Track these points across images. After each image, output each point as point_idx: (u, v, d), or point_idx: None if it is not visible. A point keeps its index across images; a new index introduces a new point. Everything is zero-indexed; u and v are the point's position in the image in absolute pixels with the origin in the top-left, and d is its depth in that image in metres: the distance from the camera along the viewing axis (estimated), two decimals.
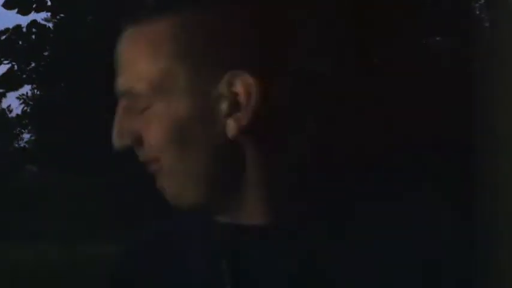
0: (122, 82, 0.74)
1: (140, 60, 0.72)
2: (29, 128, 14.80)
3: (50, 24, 8.84)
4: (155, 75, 0.71)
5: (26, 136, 18.82)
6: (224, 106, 0.72)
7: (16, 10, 5.23)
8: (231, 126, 0.72)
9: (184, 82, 0.72)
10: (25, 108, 14.79)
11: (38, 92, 13.58)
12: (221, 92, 0.72)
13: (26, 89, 14.42)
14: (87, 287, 9.42)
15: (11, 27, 5.60)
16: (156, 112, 0.72)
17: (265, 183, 0.74)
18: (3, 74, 5.73)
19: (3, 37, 5.45)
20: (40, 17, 7.42)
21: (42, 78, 6.79)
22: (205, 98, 0.72)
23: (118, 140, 0.73)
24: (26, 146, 18.47)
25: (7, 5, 5.09)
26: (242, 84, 0.72)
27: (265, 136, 0.74)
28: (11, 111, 20.49)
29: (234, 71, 0.72)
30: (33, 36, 5.71)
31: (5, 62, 5.61)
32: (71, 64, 5.95)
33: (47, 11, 6.19)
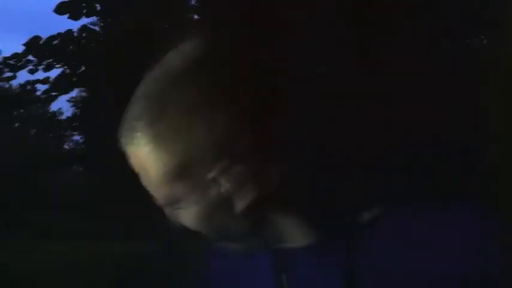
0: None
1: None
2: (78, 130, 15.14)
3: (97, 28, 9.04)
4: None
5: (76, 138, 19.28)
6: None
7: (68, 15, 5.37)
8: None
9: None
10: (75, 110, 15.16)
11: (87, 95, 13.84)
12: None
13: (76, 92, 14.70)
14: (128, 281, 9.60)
15: (63, 31, 5.73)
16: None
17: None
18: (56, 78, 5.88)
19: (56, 42, 5.59)
20: (89, 21, 7.58)
21: (92, 81, 6.93)
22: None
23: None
24: (75, 147, 18.87)
25: (59, 11, 5.23)
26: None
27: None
28: (61, 114, 21.01)
29: None
30: (84, 41, 5.84)
31: (57, 65, 5.75)
32: (119, 68, 6.07)
33: (97, 16, 6.34)
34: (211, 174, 0.72)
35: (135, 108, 0.76)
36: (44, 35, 5.64)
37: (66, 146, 23.06)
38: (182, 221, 0.77)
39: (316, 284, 0.78)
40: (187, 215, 0.76)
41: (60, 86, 6.01)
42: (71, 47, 5.88)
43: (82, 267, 12.52)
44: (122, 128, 0.78)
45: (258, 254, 0.83)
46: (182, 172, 0.72)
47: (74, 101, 15.06)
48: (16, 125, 27.84)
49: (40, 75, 5.87)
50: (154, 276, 10.18)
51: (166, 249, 13.86)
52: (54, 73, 5.96)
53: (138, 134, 0.74)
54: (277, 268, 0.81)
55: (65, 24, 5.65)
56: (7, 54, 5.64)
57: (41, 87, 6.00)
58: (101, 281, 10.18)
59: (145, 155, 0.74)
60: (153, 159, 0.73)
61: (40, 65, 5.73)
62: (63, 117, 20.20)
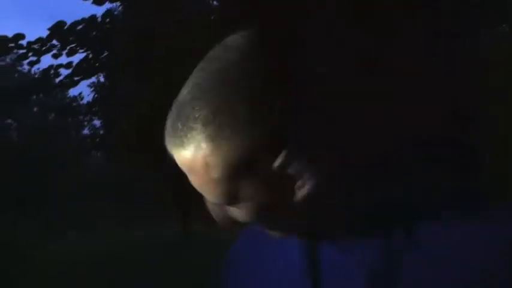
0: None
1: None
2: (99, 114, 15.18)
3: (120, 13, 9.07)
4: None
5: (96, 123, 19.39)
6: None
7: (92, 0, 5.40)
8: None
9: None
10: (96, 95, 15.20)
11: (108, 81, 13.87)
12: None
13: (98, 77, 14.73)
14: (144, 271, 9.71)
15: (87, 17, 5.76)
16: None
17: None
18: (79, 63, 5.92)
19: (80, 27, 5.62)
20: (113, 6, 7.61)
21: (114, 66, 6.97)
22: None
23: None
24: (95, 132, 18.98)
25: None
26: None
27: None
28: (82, 99, 21.11)
29: None
30: (107, 26, 5.87)
31: (81, 50, 5.79)
32: (142, 54, 6.09)
33: (121, 2, 6.37)
34: (273, 168, 0.70)
35: (187, 107, 0.72)
36: (69, 20, 5.68)
37: (86, 131, 23.19)
38: (238, 218, 0.76)
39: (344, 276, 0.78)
40: (245, 212, 0.74)
41: (83, 70, 6.06)
42: (94, 33, 5.92)
43: (99, 254, 12.64)
44: (170, 130, 0.74)
45: (286, 242, 0.84)
46: (245, 168, 0.70)
47: (94, 86, 15.14)
48: (35, 109, 28.08)
49: (63, 60, 5.92)
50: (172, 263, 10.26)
51: (183, 237, 13.95)
52: (77, 58, 6.01)
53: (196, 132, 0.71)
54: (306, 258, 0.82)
55: (89, 9, 5.68)
56: (31, 38, 5.68)
57: (64, 72, 6.04)
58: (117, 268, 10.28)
59: (204, 154, 0.71)
60: (215, 158, 0.70)
61: (64, 49, 5.78)
62: (84, 102, 20.35)
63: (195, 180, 0.74)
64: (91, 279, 9.23)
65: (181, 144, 0.72)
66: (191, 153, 0.71)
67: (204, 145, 0.70)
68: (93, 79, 14.70)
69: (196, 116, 0.70)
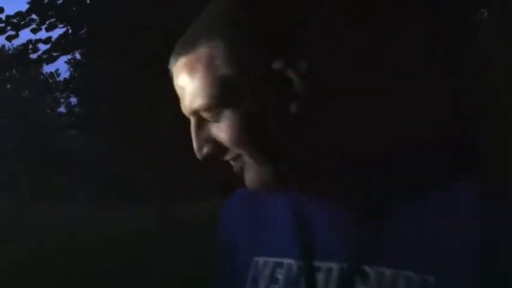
0: (188, 104, 0.79)
1: (200, 81, 0.77)
2: (76, 92, 15.01)
3: None
4: (218, 88, 0.76)
5: (72, 100, 19.15)
6: (281, 95, 0.74)
7: None
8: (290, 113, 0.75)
9: (244, 84, 0.75)
10: (73, 72, 15.02)
11: (85, 58, 13.71)
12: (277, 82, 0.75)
13: (76, 53, 14.50)
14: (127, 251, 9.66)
15: None
16: (227, 118, 0.76)
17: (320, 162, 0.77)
18: (58, 38, 5.84)
19: (60, 1, 5.55)
20: None
21: (92, 43, 6.89)
22: (264, 92, 0.75)
23: (200, 152, 0.80)
24: (71, 110, 18.76)
25: None
26: (295, 72, 0.73)
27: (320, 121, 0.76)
28: (58, 75, 20.79)
29: (286, 59, 0.74)
30: (88, 1, 5.81)
31: (60, 25, 5.72)
32: (122, 31, 6.03)
33: None
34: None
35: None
36: None
37: (62, 109, 22.89)
38: (222, 139, 0.79)
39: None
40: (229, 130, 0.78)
41: (61, 46, 5.99)
42: (74, 8, 5.85)
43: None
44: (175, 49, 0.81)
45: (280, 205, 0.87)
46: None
47: (72, 63, 14.96)
48: (8, 86, 27.64)
49: (42, 34, 5.84)
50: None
51: (162, 216, 13.90)
52: (56, 33, 5.94)
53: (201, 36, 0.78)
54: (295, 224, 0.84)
55: None
56: (11, 12, 5.60)
57: (43, 47, 5.97)
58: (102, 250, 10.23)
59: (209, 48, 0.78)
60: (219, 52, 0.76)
61: (43, 24, 5.70)
62: (61, 78, 20.10)
63: (191, 82, 0.78)
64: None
65: (186, 48, 0.79)
66: (196, 50, 0.77)
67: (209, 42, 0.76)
68: (70, 55, 14.53)
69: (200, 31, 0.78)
